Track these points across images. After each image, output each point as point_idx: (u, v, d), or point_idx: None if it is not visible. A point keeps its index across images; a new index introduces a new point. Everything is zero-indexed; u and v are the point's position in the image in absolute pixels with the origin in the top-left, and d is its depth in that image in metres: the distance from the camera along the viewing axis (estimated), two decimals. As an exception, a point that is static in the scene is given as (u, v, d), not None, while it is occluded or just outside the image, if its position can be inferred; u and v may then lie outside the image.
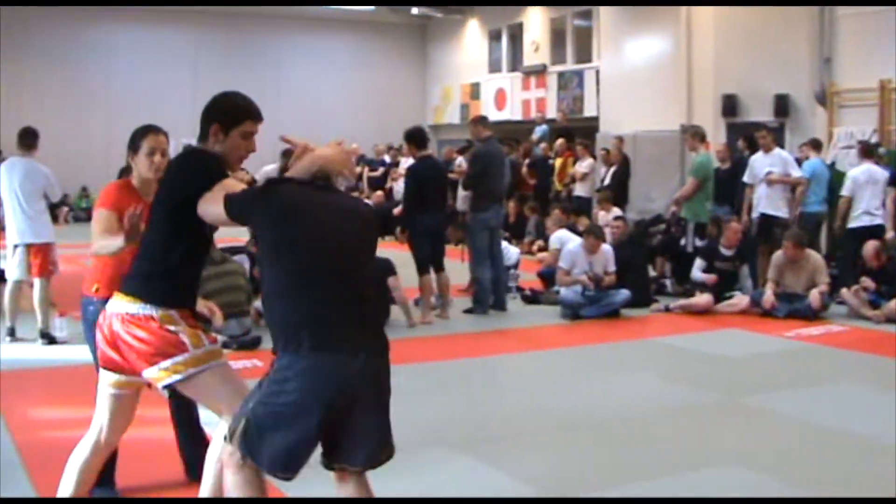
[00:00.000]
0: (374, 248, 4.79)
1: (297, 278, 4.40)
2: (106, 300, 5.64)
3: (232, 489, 4.51)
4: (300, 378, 4.29)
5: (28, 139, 11.03)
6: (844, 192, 14.21)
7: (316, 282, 4.38)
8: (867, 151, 14.69)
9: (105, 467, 5.73)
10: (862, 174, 14.14)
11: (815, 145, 15.88)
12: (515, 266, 14.90)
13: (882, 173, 14.09)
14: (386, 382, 4.64)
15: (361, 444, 4.51)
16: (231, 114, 5.17)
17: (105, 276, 5.88)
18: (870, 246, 13.03)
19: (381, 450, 4.62)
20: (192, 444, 6.33)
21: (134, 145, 5.98)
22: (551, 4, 27.95)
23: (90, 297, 5.94)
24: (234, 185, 4.82)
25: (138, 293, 4.92)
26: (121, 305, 4.95)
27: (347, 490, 4.62)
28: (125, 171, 6.13)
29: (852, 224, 13.97)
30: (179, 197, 4.83)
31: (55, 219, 17.20)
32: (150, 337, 4.84)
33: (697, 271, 13.40)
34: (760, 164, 14.44)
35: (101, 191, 6.00)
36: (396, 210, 18.13)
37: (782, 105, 19.24)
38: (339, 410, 4.37)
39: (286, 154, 5.66)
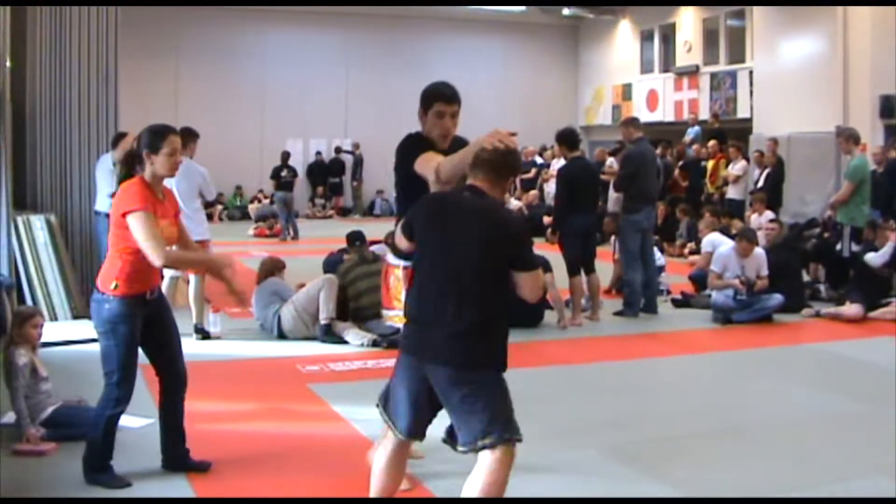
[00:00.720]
0: (495, 250, 4.90)
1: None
2: (125, 298, 5.78)
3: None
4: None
5: (185, 139, 11.27)
6: None
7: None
8: None
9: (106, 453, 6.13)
10: None
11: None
12: (660, 270, 14.78)
13: None
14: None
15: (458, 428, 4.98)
16: (424, 98, 6.27)
17: (124, 273, 5.95)
18: None
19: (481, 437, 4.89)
20: (171, 435, 6.42)
21: (154, 146, 6.04)
22: (704, 4, 27.65)
23: (108, 294, 5.96)
24: (428, 158, 5.81)
25: None
26: None
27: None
28: (127, 167, 6.14)
29: None
30: (402, 173, 6.13)
31: (210, 217, 17.58)
32: None
33: (875, 259, 13.24)
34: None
35: (124, 190, 6.01)
36: (547, 219, 18.14)
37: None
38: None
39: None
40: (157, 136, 6.08)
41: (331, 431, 7.57)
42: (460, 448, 4.95)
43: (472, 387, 4.87)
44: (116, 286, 5.93)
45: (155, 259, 5.81)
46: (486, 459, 4.85)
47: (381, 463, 5.19)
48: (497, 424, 4.89)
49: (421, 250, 5.10)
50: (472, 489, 4.85)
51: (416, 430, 5.12)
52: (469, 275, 4.84)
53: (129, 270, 5.94)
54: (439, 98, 6.23)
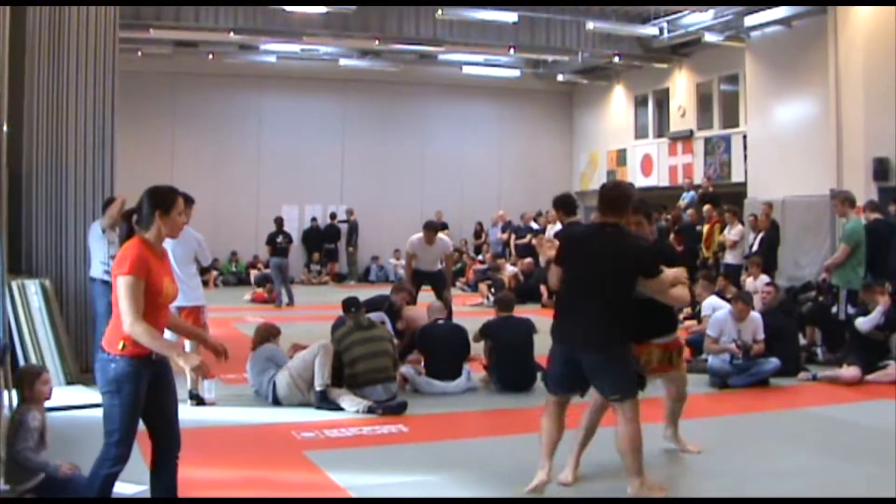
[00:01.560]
0: (620, 276, 7.30)
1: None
2: (132, 358, 5.76)
3: None
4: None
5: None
6: None
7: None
8: None
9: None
10: None
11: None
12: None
13: None
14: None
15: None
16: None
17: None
18: None
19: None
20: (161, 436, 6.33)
21: (165, 206, 6.10)
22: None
23: (114, 354, 5.94)
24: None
25: None
26: None
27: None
28: (129, 227, 6.16)
29: None
30: None
31: (205, 283, 17.55)
32: None
33: (864, 323, 13.17)
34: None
35: (123, 251, 6.05)
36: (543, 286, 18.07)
37: (938, 168, 18.88)
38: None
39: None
40: (166, 196, 6.15)
41: (327, 500, 7.51)
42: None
43: None
44: (124, 346, 5.90)
45: (125, 324, 5.82)
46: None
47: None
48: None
49: None
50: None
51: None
52: None
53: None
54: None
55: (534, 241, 8.89)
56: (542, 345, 12.33)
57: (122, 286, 5.85)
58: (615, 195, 7.59)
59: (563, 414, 7.62)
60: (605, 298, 7.26)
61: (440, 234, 16.65)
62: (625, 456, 7.39)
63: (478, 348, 12.69)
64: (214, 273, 29.14)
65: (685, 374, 9.11)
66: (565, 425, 7.67)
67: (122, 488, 6.70)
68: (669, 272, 7.64)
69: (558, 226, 13.79)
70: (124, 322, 5.82)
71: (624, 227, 7.48)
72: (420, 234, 16.25)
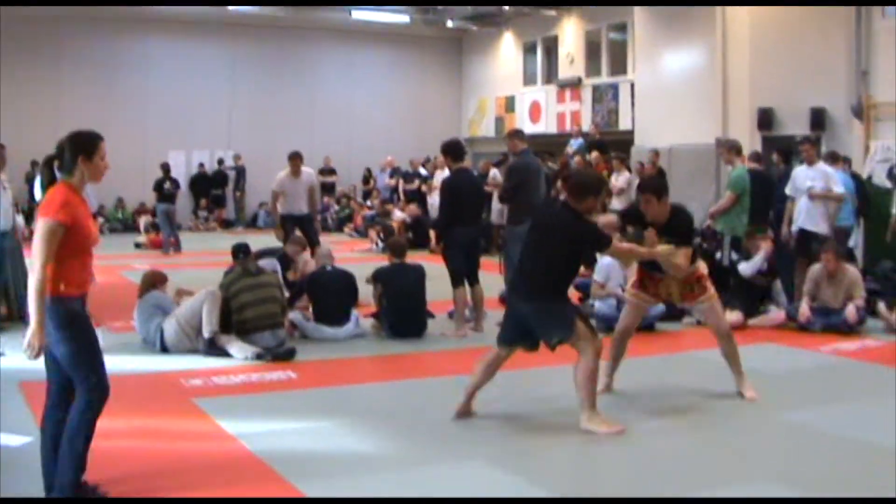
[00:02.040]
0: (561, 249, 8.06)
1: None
2: (78, 297, 5.80)
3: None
4: None
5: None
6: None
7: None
8: None
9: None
10: None
11: (835, 158, 15.79)
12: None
13: None
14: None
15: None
16: None
17: (73, 275, 5.93)
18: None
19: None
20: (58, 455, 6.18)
21: (88, 150, 6.05)
22: (587, 4, 27.79)
23: (60, 296, 5.87)
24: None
25: None
26: None
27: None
28: (50, 172, 6.10)
29: None
30: None
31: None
32: None
33: (747, 269, 13.41)
34: (803, 177, 14.26)
35: (50, 195, 5.98)
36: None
37: (818, 118, 19.19)
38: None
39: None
40: (89, 141, 6.09)
41: (216, 447, 7.48)
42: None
43: None
44: (66, 288, 5.87)
45: (35, 269, 5.73)
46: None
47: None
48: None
49: None
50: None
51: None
52: None
53: (75, 271, 5.91)
54: None
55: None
56: (433, 291, 12.48)
57: (42, 229, 5.79)
58: (576, 182, 8.41)
59: (498, 365, 8.40)
60: (548, 264, 8.03)
61: (305, 168, 16.43)
62: (578, 389, 7.95)
63: (366, 294, 12.68)
64: (100, 220, 28.73)
65: (715, 304, 9.24)
66: (494, 375, 8.41)
67: (6, 440, 6.62)
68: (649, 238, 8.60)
69: (446, 172, 13.82)
70: (34, 264, 5.75)
71: (576, 211, 8.07)
72: (285, 170, 16.11)
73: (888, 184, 17.06)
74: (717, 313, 9.27)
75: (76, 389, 5.97)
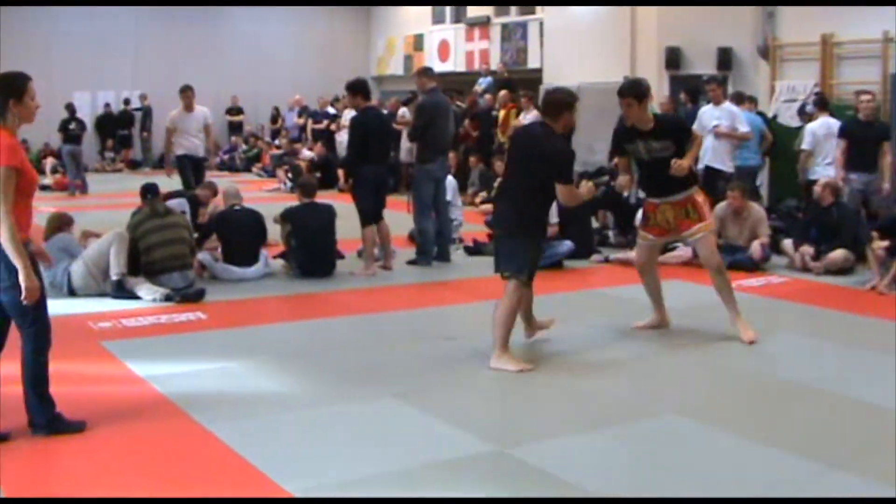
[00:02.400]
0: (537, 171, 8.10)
1: None
2: (24, 244, 5.76)
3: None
4: None
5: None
6: (805, 145, 14.62)
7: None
8: (824, 104, 15.09)
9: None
10: (820, 127, 14.57)
11: (741, 98, 16.00)
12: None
13: (836, 126, 14.40)
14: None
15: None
16: None
17: (19, 220, 5.89)
18: (822, 184, 13.14)
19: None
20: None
21: (17, 92, 6.00)
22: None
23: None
24: None
25: None
26: None
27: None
28: None
29: (815, 176, 14.12)
30: None
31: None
32: None
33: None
34: (709, 116, 14.47)
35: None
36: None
37: (725, 58, 19.33)
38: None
39: None
40: (16, 83, 6.04)
41: (126, 390, 7.45)
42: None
43: None
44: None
45: (3, 219, 5.73)
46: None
47: None
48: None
49: None
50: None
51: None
52: None
53: (22, 214, 5.93)
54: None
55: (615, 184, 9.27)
56: (342, 230, 12.47)
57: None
58: (547, 100, 8.60)
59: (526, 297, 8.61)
60: (524, 187, 8.16)
61: (200, 106, 16.25)
62: (495, 327, 8.11)
63: (275, 234, 12.63)
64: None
65: (710, 236, 9.24)
66: (528, 299, 8.70)
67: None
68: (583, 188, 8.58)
69: (354, 111, 13.76)
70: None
71: (551, 129, 8.22)
72: (179, 107, 15.92)
73: (794, 123, 17.25)
74: (710, 246, 9.24)
75: (23, 334, 5.97)
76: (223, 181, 15.54)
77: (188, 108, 15.80)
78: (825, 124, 14.53)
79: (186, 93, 15.85)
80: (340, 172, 17.29)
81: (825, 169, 14.29)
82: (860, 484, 5.69)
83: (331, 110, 27.80)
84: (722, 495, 5.45)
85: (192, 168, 15.71)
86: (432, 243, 12.95)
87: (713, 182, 14.07)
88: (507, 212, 8.31)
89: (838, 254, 12.43)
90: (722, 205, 13.10)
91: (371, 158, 12.27)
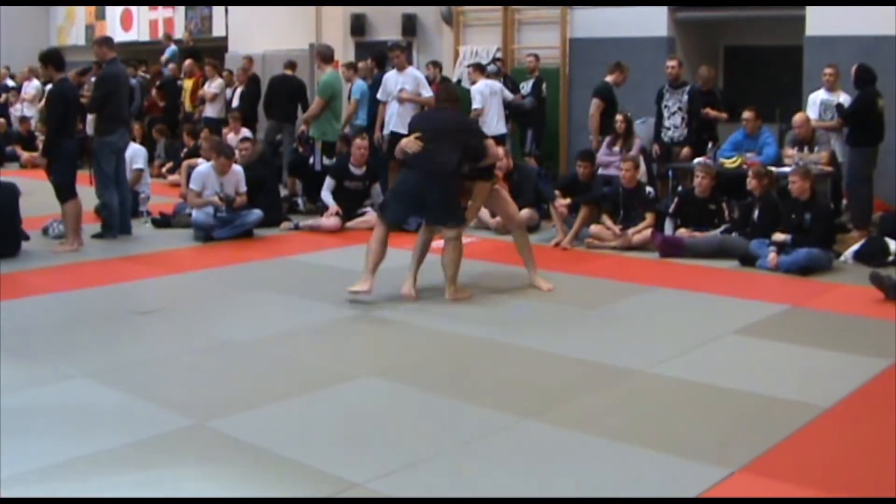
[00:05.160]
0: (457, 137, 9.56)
1: None
2: None
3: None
4: None
5: None
6: (476, 105, 15.17)
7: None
8: (481, 70, 16.14)
9: None
10: (486, 87, 15.39)
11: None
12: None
13: (498, 86, 15.59)
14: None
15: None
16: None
17: None
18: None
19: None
20: None
21: None
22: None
23: None
24: None
25: None
26: None
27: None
28: None
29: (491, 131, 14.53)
30: None
31: None
32: None
33: (327, 192, 13.61)
34: (393, 82, 14.67)
35: None
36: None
37: (410, 24, 19.57)
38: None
39: None
40: None
41: None
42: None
43: None
44: None
45: None
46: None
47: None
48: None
49: None
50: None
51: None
52: None
53: None
54: None
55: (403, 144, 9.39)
56: (26, 207, 12.00)
57: None
58: (448, 95, 10.34)
59: (387, 240, 9.53)
60: (447, 148, 9.44)
61: None
62: (446, 268, 9.45)
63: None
64: None
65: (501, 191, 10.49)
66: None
67: None
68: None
69: (35, 82, 13.28)
70: None
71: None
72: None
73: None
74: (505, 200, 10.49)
75: None
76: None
77: None
78: (489, 85, 15.49)
79: None
80: (18, 150, 16.63)
81: (498, 125, 15.17)
82: (550, 430, 5.93)
83: (10, 83, 26.70)
84: (413, 450, 5.56)
85: None
86: (117, 217, 12.66)
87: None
88: (438, 164, 9.45)
89: (524, 212, 12.78)
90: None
91: (69, 132, 11.93)
